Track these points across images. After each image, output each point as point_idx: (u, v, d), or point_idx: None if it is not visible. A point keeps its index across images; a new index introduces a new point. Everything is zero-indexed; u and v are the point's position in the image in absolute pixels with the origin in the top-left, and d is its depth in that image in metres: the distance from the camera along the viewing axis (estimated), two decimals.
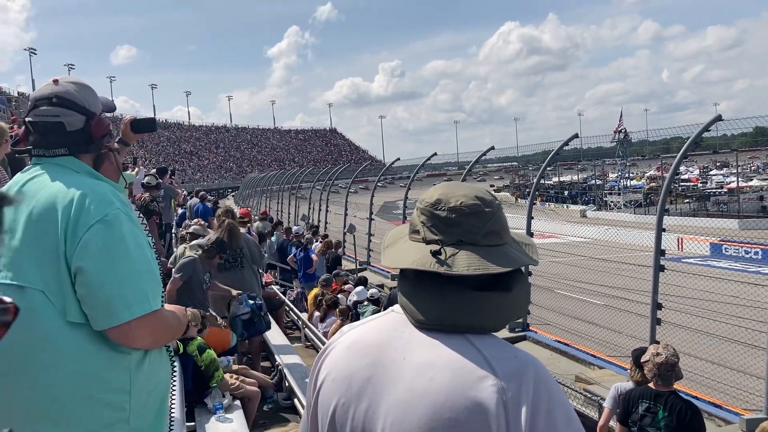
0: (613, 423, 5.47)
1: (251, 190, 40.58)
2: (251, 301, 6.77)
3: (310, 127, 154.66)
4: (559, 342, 9.87)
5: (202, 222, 9.70)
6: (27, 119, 2.04)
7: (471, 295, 1.21)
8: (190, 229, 9.38)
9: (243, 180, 63.35)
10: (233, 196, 56.81)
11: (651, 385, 4.85)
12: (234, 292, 6.72)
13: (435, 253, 1.20)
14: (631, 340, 8.52)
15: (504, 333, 10.00)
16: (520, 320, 10.40)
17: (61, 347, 1.82)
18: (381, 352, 1.24)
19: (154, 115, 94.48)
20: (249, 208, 31.28)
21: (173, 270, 6.27)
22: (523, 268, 1.31)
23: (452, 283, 1.21)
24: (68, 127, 2.01)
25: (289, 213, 26.98)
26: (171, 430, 2.13)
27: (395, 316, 1.29)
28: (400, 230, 1.37)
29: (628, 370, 5.69)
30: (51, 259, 1.82)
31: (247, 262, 7.59)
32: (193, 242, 6.86)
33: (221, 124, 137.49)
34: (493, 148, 14.34)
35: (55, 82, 2.07)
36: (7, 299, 1.72)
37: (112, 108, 2.24)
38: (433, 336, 1.21)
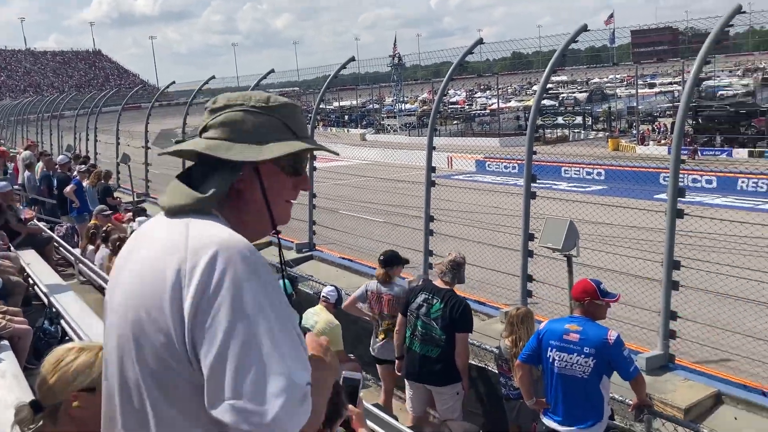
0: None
1: (4, 120, 36.05)
2: None
3: (70, 48, 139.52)
4: (343, 258, 10.31)
5: None
6: None
7: (175, 183, 1.39)
8: None
9: None
10: None
11: (436, 282, 5.43)
12: None
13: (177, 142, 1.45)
14: (408, 251, 9.14)
15: (291, 254, 10.20)
16: (307, 240, 10.68)
17: None
18: (141, 237, 1.40)
19: None
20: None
21: None
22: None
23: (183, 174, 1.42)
24: None
25: (51, 144, 24.49)
26: None
27: None
28: None
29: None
30: None
31: None
32: None
33: None
34: (273, 71, 14.17)
35: None
36: None
37: None
38: (167, 219, 1.34)
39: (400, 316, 5.67)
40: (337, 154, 1.63)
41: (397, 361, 5.83)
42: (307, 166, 1.50)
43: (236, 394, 1.14)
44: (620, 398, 4.81)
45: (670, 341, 5.77)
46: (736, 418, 4.96)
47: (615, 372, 4.28)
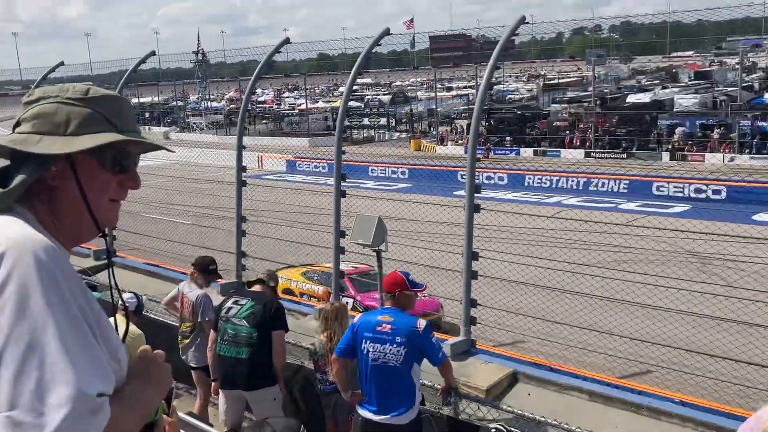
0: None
1: None
2: None
3: None
4: (149, 264, 9.80)
5: None
6: None
7: None
8: None
9: None
10: None
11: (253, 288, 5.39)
12: None
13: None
14: (221, 254, 8.93)
15: (89, 262, 9.50)
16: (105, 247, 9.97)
17: None
18: None
19: None
20: None
21: None
22: None
23: None
24: None
25: None
26: None
27: None
28: None
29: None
30: None
31: None
32: None
33: None
34: (62, 63, 13.07)
35: None
36: None
37: None
38: None
39: (212, 332, 5.46)
40: (172, 152, 1.57)
41: (213, 383, 5.62)
42: (139, 163, 1.42)
43: (12, 404, 1.04)
44: (429, 384, 5.08)
45: (471, 327, 6.17)
46: (529, 394, 5.45)
47: (425, 359, 4.52)
